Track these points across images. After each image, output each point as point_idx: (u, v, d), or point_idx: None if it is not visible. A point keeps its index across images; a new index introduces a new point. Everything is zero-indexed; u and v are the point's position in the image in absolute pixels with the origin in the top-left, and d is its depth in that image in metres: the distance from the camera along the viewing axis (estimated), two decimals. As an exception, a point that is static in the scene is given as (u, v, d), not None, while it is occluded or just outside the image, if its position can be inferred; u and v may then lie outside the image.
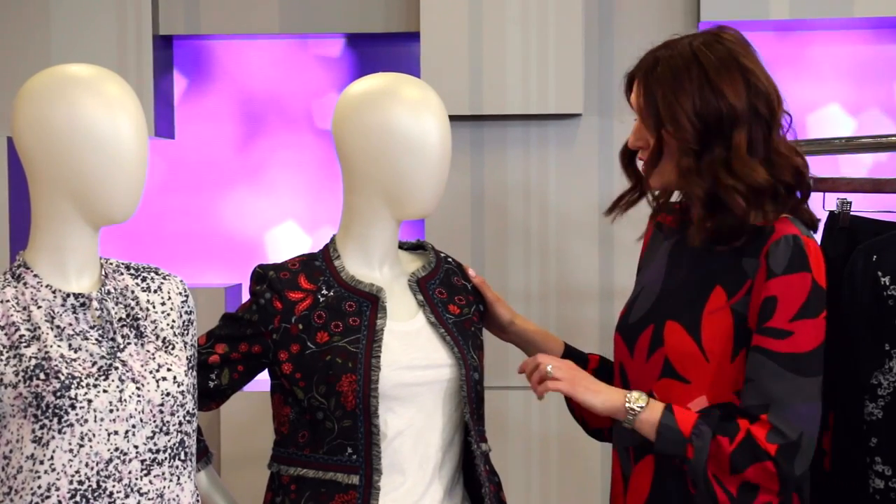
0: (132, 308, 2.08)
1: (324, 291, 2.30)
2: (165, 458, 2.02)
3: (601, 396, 2.23)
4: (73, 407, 1.94)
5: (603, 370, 2.48)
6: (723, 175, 2.18)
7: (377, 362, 2.23)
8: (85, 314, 2.02)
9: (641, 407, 2.19)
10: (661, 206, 2.34)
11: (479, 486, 2.32)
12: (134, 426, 1.99)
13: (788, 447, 2.14)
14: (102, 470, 1.96)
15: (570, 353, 2.50)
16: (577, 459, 3.32)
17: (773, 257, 2.18)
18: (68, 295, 2.01)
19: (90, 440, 1.95)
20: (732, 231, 2.21)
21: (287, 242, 3.65)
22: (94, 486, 1.96)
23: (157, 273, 2.15)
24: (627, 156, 2.38)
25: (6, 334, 1.96)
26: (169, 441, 2.03)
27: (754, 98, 2.20)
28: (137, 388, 2.00)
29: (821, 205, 2.75)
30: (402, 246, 2.44)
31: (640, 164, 2.34)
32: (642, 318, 2.32)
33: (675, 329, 2.25)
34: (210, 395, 2.33)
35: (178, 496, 2.05)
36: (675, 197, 2.38)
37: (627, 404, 2.20)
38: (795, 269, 2.17)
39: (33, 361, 1.95)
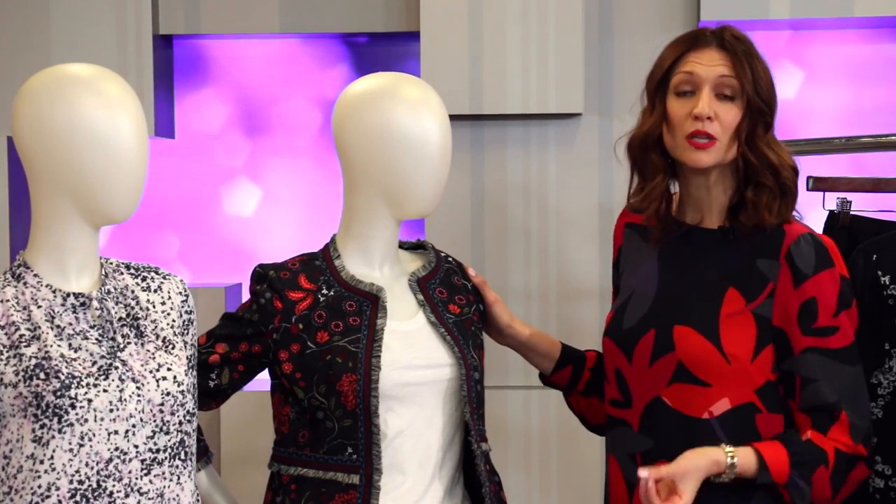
0: (132, 308, 2.08)
1: (324, 291, 2.30)
2: (165, 458, 2.02)
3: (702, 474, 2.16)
4: (73, 406, 1.94)
5: (600, 367, 2.47)
6: (779, 149, 2.25)
7: (377, 362, 2.23)
8: (85, 314, 2.02)
9: (730, 478, 2.16)
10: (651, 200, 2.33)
11: (479, 485, 2.32)
12: (134, 426, 1.99)
13: (866, 441, 2.20)
14: (102, 469, 1.96)
15: (567, 353, 2.50)
16: (577, 459, 3.32)
17: (798, 258, 2.21)
18: (68, 294, 2.01)
19: (90, 440, 1.95)
20: (777, 220, 2.24)
21: (287, 242, 3.65)
22: (95, 485, 1.96)
23: (157, 273, 2.15)
24: (652, 142, 2.30)
25: (6, 334, 1.96)
26: (169, 441, 2.03)
27: None
28: (137, 388, 2.00)
29: (821, 204, 2.76)
30: (402, 245, 2.44)
31: (680, 146, 2.25)
32: (639, 323, 2.30)
33: (688, 333, 2.23)
34: (210, 395, 2.33)
35: (178, 496, 2.05)
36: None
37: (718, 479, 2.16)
38: (823, 267, 2.21)
39: (33, 361, 1.95)
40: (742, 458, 2.15)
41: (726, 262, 2.26)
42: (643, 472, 2.10)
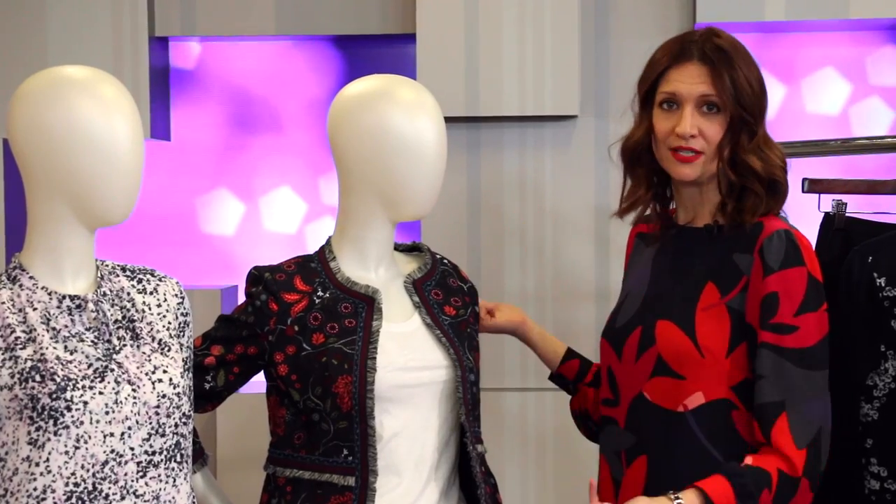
0: (128, 310, 2.08)
1: (319, 293, 2.30)
2: (161, 460, 2.02)
3: None
4: (68, 409, 1.93)
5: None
6: (767, 151, 2.27)
7: (373, 364, 2.23)
8: (81, 316, 2.02)
9: None
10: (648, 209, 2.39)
11: (474, 487, 2.32)
12: (130, 428, 1.98)
13: (811, 448, 2.16)
14: (98, 472, 1.96)
15: (572, 351, 2.56)
16: (573, 461, 3.32)
17: (767, 253, 2.21)
18: (64, 297, 2.01)
19: (86, 442, 1.95)
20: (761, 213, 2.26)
21: (282, 243, 3.65)
22: (90, 487, 1.96)
23: (152, 275, 2.15)
24: (639, 154, 2.34)
25: (2, 336, 1.96)
26: (165, 443, 2.03)
27: None
28: (133, 390, 1.99)
29: (816, 206, 2.76)
30: (397, 247, 2.44)
31: (665, 158, 2.29)
32: (629, 321, 2.34)
33: (668, 327, 2.26)
34: (206, 397, 2.33)
35: (174, 498, 2.05)
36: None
37: None
38: (791, 264, 2.20)
39: (29, 363, 1.94)
40: (688, 500, 2.10)
41: (708, 257, 2.28)
42: None
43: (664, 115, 2.29)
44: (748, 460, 2.16)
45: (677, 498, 2.10)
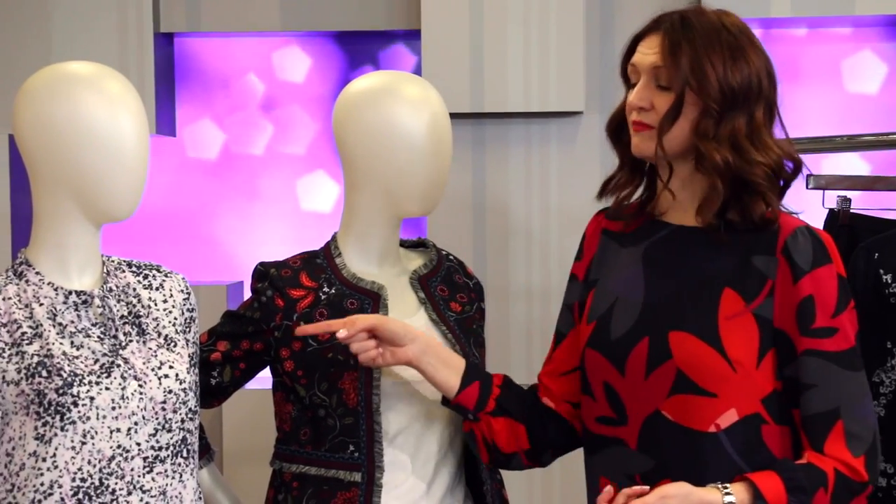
0: (134, 305, 2.08)
1: (325, 289, 2.30)
2: (168, 456, 2.03)
3: None
4: (75, 404, 1.94)
5: (508, 386, 2.28)
6: (748, 147, 2.06)
7: (379, 360, 2.23)
8: (87, 311, 2.02)
9: None
10: (620, 199, 2.21)
11: (480, 483, 2.32)
12: (136, 423, 1.99)
13: (870, 452, 2.05)
14: (105, 467, 1.96)
15: (473, 368, 2.26)
16: (578, 457, 3.31)
17: (795, 253, 2.06)
18: (70, 292, 2.01)
19: (92, 437, 1.95)
20: (761, 216, 2.07)
21: (287, 239, 3.65)
22: (97, 483, 1.96)
23: (158, 270, 2.15)
24: (616, 128, 2.19)
25: (8, 332, 1.96)
26: (171, 438, 2.03)
27: (770, 77, 2.12)
28: (139, 386, 2.00)
29: (820, 202, 2.76)
30: (403, 244, 2.44)
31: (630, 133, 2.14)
32: (630, 332, 2.12)
33: (686, 339, 2.07)
34: (212, 393, 2.33)
35: (180, 493, 2.05)
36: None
37: None
38: (821, 263, 2.06)
39: (35, 359, 1.95)
40: (737, 492, 2.00)
41: (718, 261, 2.10)
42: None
43: (631, 92, 2.13)
44: (805, 457, 2.04)
45: (726, 488, 1.99)
